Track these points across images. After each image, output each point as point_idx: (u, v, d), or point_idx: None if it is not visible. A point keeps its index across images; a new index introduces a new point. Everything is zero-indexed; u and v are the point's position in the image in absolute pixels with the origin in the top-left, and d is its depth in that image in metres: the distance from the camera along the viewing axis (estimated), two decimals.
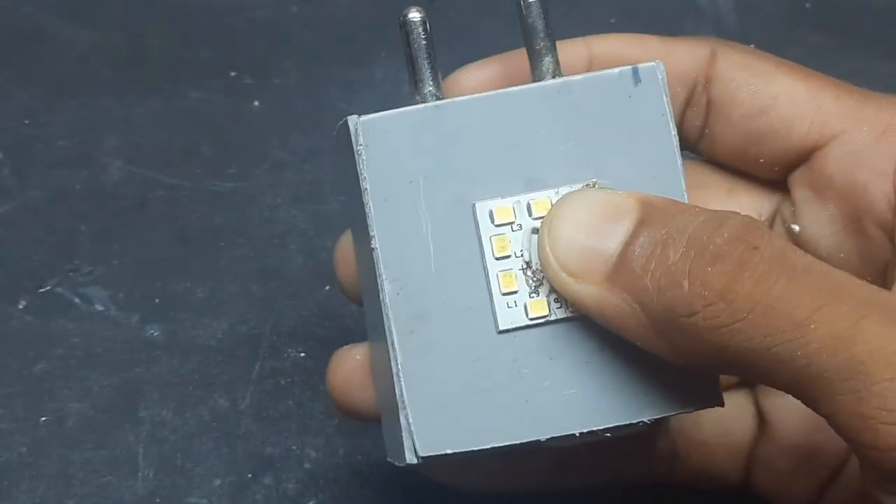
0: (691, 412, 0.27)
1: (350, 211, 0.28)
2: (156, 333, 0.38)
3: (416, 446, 0.26)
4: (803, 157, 0.30)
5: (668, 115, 0.27)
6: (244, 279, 0.40)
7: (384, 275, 0.26)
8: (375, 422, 0.31)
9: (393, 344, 0.26)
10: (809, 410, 0.25)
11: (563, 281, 0.26)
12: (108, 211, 0.41)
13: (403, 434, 0.26)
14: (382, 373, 0.28)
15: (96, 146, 0.42)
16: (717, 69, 0.30)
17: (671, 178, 0.27)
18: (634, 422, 0.27)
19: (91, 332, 0.38)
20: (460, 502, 0.36)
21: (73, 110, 0.43)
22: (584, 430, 0.26)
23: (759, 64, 0.30)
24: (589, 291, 0.26)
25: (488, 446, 0.26)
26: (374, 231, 0.26)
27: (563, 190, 0.27)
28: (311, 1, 0.47)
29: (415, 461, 0.26)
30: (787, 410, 0.31)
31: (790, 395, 0.29)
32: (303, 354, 0.39)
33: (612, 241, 0.26)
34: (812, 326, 0.23)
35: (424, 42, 0.27)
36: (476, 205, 0.26)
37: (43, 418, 0.36)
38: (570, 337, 0.27)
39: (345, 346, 0.32)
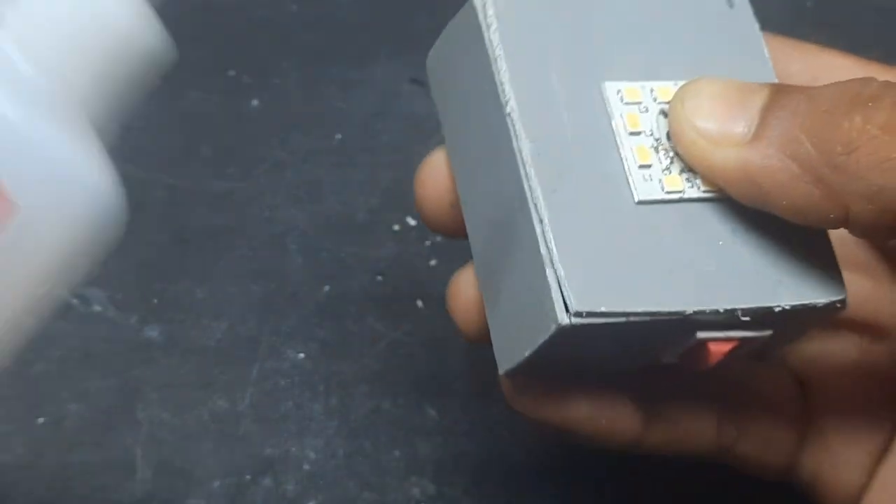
0: (820, 307, 0.27)
1: (452, 119, 0.28)
2: (154, 334, 0.38)
3: (571, 302, 0.24)
4: None
5: (761, 36, 0.29)
6: (243, 280, 0.40)
7: (523, 135, 0.26)
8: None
9: (536, 204, 0.25)
10: (859, 380, 0.26)
11: (703, 149, 0.26)
12: None
13: (553, 294, 0.25)
14: (501, 264, 0.27)
15: None
16: (769, 46, 0.30)
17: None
18: (772, 305, 0.26)
19: (89, 333, 0.38)
20: None
21: None
22: (727, 308, 0.26)
23: (805, 44, 0.31)
24: (730, 155, 0.26)
25: (640, 310, 0.25)
26: (510, 96, 0.26)
27: (681, 83, 0.27)
28: (311, 1, 0.47)
29: (567, 321, 0.24)
30: (832, 375, 0.31)
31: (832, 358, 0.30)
32: (302, 355, 0.39)
33: (752, 106, 0.26)
34: None
35: None
36: (605, 84, 0.27)
37: (41, 419, 0.36)
38: (705, 217, 0.27)
39: (463, 269, 0.30)
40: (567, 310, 0.24)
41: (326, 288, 0.40)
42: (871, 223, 0.25)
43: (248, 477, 0.36)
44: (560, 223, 0.25)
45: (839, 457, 0.31)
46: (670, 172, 0.27)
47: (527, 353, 0.26)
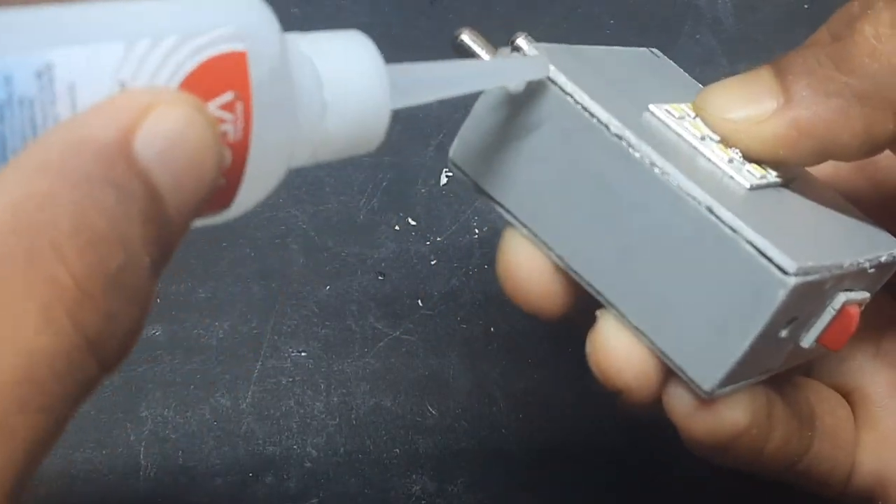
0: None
1: (529, 190, 0.28)
2: (157, 333, 0.38)
3: (787, 264, 0.24)
4: None
5: (680, 70, 0.32)
6: (245, 279, 0.40)
7: (661, 158, 0.26)
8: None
9: (710, 208, 0.25)
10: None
11: (750, 133, 0.27)
12: None
13: (765, 265, 0.25)
14: (671, 284, 0.26)
15: None
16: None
17: None
18: (881, 255, 0.28)
19: None
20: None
21: None
22: (861, 260, 0.27)
23: None
24: (776, 123, 0.27)
25: (828, 263, 0.26)
26: (632, 139, 0.26)
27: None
28: (312, 2, 0.48)
29: (792, 281, 0.24)
30: (877, 385, 0.32)
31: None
32: (304, 354, 0.39)
33: (764, 82, 0.27)
34: None
35: None
36: (651, 106, 0.28)
37: None
38: (789, 196, 0.28)
39: (596, 329, 0.27)
40: (785, 272, 0.25)
41: (327, 287, 0.40)
42: None
43: (250, 474, 0.36)
44: (735, 212, 0.25)
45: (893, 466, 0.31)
46: (746, 163, 0.28)
47: (750, 338, 0.25)
